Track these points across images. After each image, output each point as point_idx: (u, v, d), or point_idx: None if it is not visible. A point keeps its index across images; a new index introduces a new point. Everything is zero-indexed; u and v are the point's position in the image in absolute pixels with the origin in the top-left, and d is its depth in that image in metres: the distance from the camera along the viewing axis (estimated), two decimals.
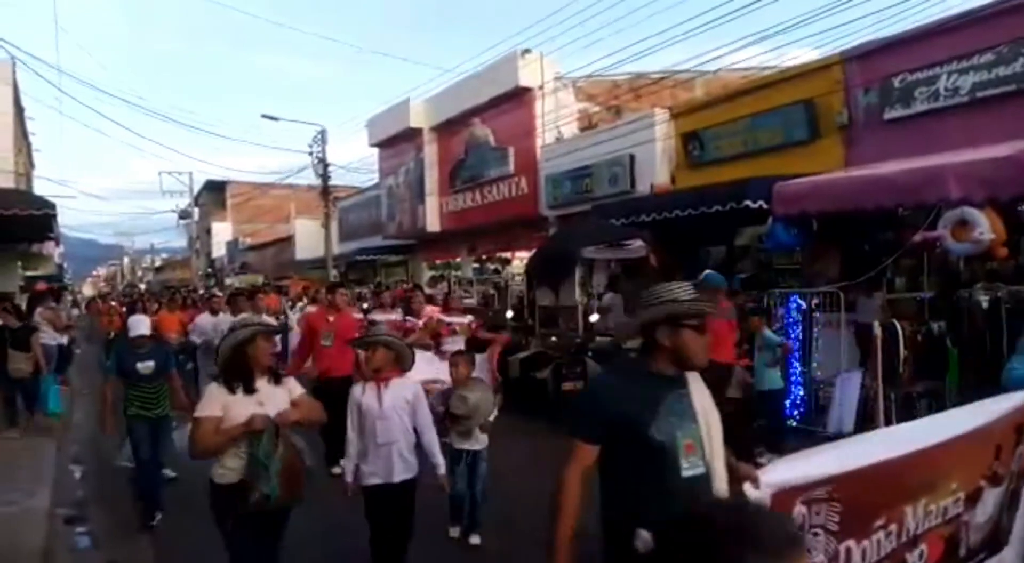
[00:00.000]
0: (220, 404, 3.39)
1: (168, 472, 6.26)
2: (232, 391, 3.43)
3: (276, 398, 3.53)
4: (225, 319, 9.05)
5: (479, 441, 5.08)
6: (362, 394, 4.09)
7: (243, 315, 8.65)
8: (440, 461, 4.22)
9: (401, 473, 4.02)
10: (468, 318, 8.64)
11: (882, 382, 6.82)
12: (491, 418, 5.14)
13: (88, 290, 40.24)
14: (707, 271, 8.23)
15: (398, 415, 4.04)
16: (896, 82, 9.52)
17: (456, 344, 7.66)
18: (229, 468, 3.40)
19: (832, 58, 10.46)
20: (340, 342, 6.98)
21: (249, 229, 42.26)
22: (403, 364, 4.23)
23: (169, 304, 13.42)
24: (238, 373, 3.48)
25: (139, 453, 5.67)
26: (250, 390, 3.44)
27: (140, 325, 5.87)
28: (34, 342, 9.22)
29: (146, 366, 5.64)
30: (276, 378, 3.62)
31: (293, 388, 3.69)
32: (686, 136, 12.69)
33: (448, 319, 8.29)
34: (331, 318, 7.36)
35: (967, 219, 6.88)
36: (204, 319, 10.15)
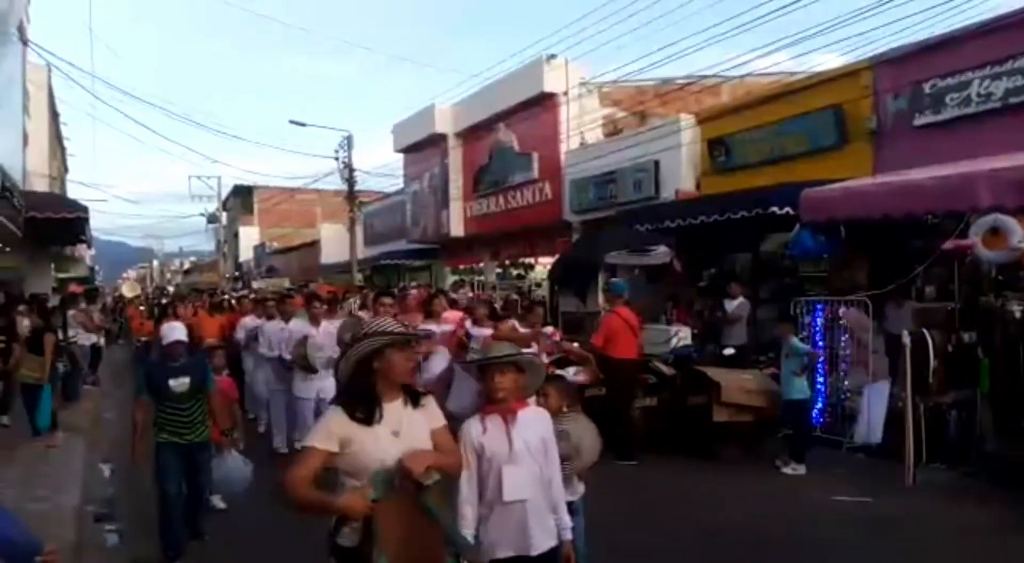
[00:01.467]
0: (339, 435, 2.52)
1: (218, 502, 5.85)
2: (355, 418, 2.55)
3: (415, 427, 2.64)
4: (299, 326, 7.79)
5: (576, 489, 3.82)
6: (482, 433, 2.93)
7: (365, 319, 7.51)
8: (567, 521, 3.05)
9: (541, 542, 2.91)
10: (549, 329, 7.51)
11: (911, 392, 6.72)
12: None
13: (128, 291, 40.61)
14: (612, 279, 8.43)
15: (533, 460, 2.94)
16: (927, 88, 9.38)
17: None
18: (352, 526, 2.50)
19: (861, 63, 10.35)
20: None
21: (276, 233, 42.74)
22: (532, 388, 3.32)
23: (211, 308, 13.09)
24: (362, 395, 2.60)
25: (166, 485, 4.86)
26: (377, 418, 2.57)
27: (174, 331, 4.99)
28: (47, 343, 8.42)
29: (180, 383, 4.82)
30: (414, 399, 2.70)
31: (434, 415, 2.74)
32: (712, 142, 12.61)
33: (525, 329, 7.20)
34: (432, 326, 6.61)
35: (1000, 227, 6.76)
36: (272, 326, 8.55)
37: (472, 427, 2.97)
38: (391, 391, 2.65)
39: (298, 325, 7.85)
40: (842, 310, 8.18)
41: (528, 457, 2.93)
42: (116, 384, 13.25)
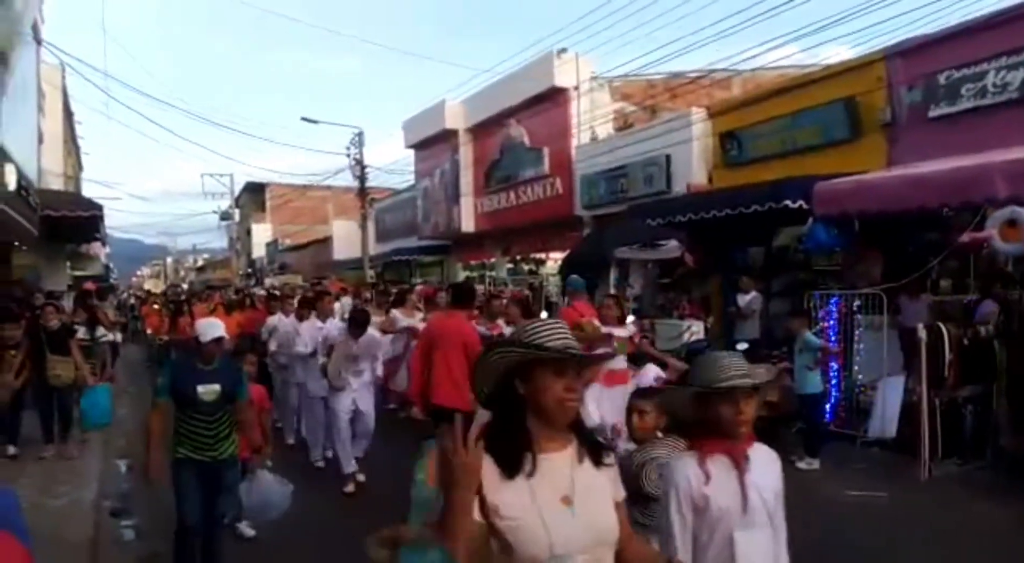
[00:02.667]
0: (482, 496, 1.65)
1: (245, 529, 5.25)
2: (505, 471, 1.68)
3: (595, 497, 1.75)
4: (337, 328, 6.97)
5: None
6: (705, 481, 2.09)
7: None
8: None
9: None
10: (630, 329, 6.60)
11: (927, 387, 6.67)
12: None
13: (154, 287, 40.56)
14: (571, 276, 8.32)
15: (768, 519, 2.14)
16: (942, 79, 9.28)
17: (615, 364, 6.27)
18: None
19: (874, 55, 10.25)
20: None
21: (288, 230, 42.97)
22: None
23: (228, 307, 12.48)
24: (508, 439, 1.71)
25: (184, 514, 4.17)
26: (527, 471, 1.68)
27: (214, 328, 4.31)
28: (73, 345, 7.90)
29: (209, 390, 4.17)
30: (595, 451, 1.80)
31: (618, 480, 1.86)
32: (724, 135, 12.54)
33: (606, 328, 6.34)
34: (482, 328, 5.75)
35: (1016, 219, 6.68)
36: (307, 325, 7.78)
37: (689, 471, 2.10)
38: (554, 434, 1.72)
39: (336, 325, 7.27)
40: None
41: (764, 515, 2.12)
42: (131, 381, 13.38)
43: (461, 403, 4.81)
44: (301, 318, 8.12)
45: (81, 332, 8.97)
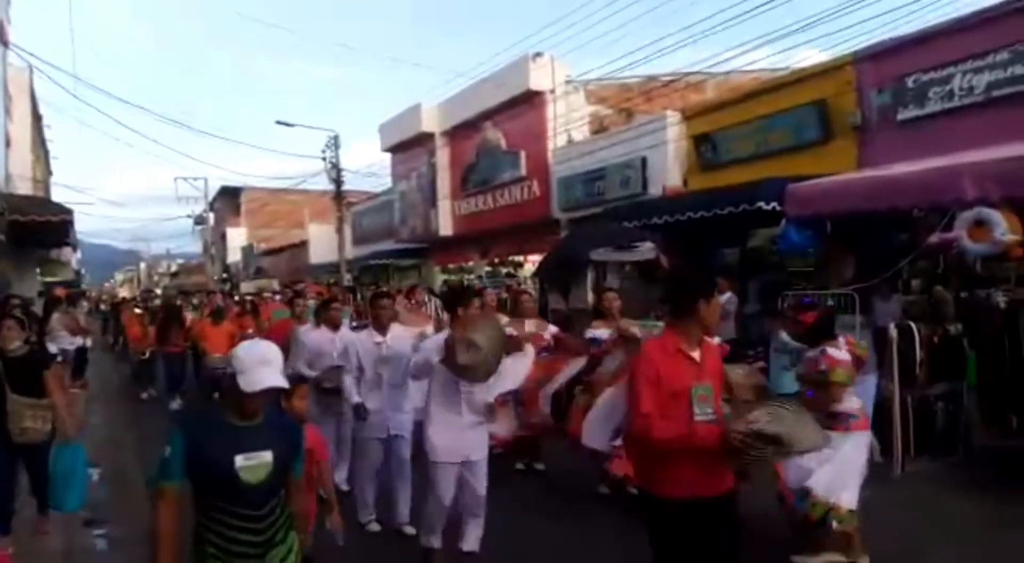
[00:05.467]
0: None
1: None
2: None
3: None
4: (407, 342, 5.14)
5: None
6: None
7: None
8: None
9: None
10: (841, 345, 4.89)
11: (898, 384, 6.77)
12: None
13: (128, 292, 39.55)
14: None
15: None
16: (910, 82, 9.46)
17: (847, 405, 4.66)
18: None
19: (844, 58, 10.42)
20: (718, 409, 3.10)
21: (264, 234, 42.57)
22: None
23: (214, 315, 10.81)
24: None
25: None
26: None
27: (264, 370, 2.52)
28: (51, 379, 5.18)
29: (255, 463, 2.51)
30: None
31: None
32: (698, 138, 12.66)
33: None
34: (695, 354, 3.07)
35: (984, 219, 6.81)
36: (363, 338, 5.39)
37: None
38: None
39: (405, 339, 5.30)
40: None
41: None
42: (102, 386, 13.17)
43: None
44: (336, 328, 6.33)
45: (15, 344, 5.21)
